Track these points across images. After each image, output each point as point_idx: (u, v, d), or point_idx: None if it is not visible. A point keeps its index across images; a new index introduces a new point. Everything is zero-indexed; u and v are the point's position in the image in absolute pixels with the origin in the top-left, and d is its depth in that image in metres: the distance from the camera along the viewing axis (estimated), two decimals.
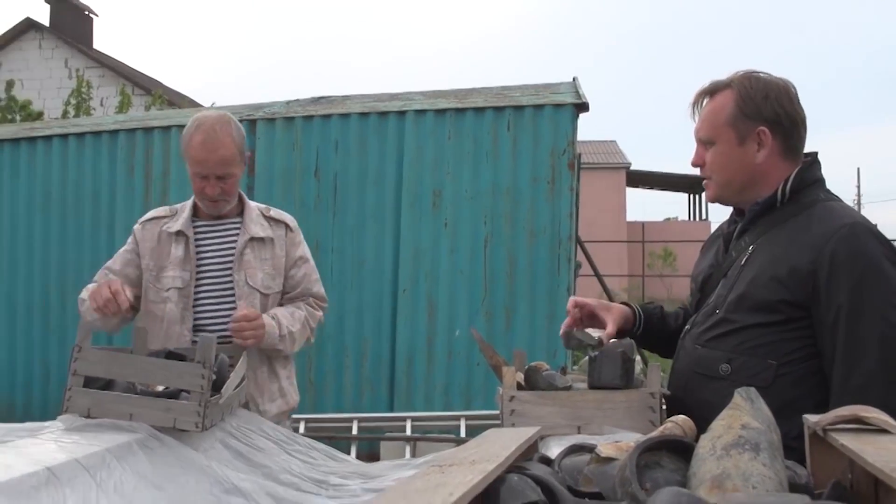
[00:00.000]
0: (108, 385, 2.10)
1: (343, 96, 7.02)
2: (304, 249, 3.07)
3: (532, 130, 6.07)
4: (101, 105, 16.68)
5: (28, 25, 18.75)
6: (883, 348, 1.79)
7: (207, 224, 2.94)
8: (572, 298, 2.31)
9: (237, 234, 2.91)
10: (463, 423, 5.27)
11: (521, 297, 5.95)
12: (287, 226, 3.03)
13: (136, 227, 3.00)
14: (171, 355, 2.23)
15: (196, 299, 2.85)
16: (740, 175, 2.03)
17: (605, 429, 1.92)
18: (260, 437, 2.28)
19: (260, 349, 2.83)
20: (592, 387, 2.08)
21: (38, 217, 7.10)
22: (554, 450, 1.71)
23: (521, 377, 2.15)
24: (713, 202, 2.11)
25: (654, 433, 1.47)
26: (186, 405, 2.04)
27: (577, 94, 6.21)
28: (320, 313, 3.08)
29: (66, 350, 6.70)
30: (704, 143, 2.06)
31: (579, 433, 1.96)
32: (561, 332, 2.26)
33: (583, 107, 6.07)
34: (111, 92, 17.13)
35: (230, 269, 2.88)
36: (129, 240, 2.99)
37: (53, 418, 2.06)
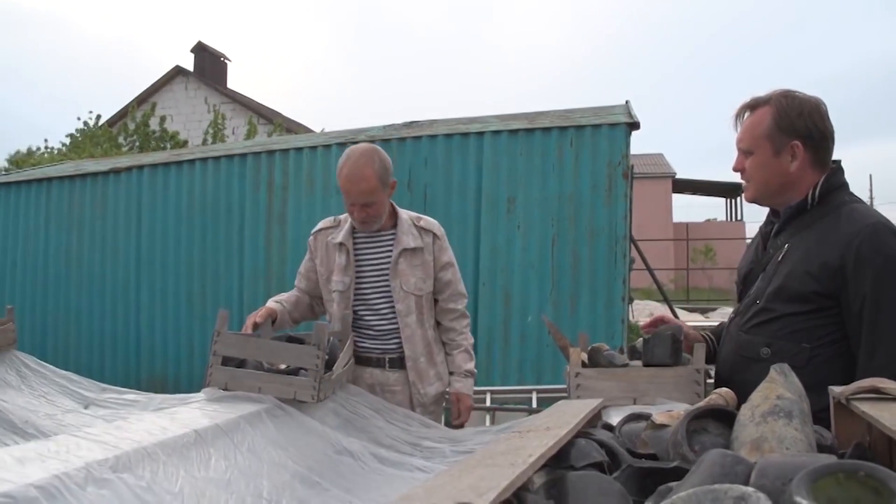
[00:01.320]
0: (241, 364, 2.16)
1: (430, 121, 7.05)
2: (449, 254, 3.02)
3: (591, 146, 5.99)
4: (233, 133, 17.14)
5: (177, 72, 19.41)
6: None
7: (366, 235, 2.92)
8: (658, 314, 2.30)
9: (391, 245, 2.89)
10: (535, 396, 5.24)
11: (584, 287, 5.88)
12: (434, 234, 2.98)
13: (310, 238, 3.01)
14: (291, 339, 2.27)
15: (356, 300, 2.86)
16: (775, 181, 1.99)
17: (657, 400, 1.89)
18: (365, 407, 2.31)
19: (421, 340, 2.89)
20: (646, 364, 2.05)
21: (183, 225, 7.35)
22: (615, 418, 1.69)
23: (584, 356, 2.13)
24: (751, 202, 2.08)
25: (701, 403, 1.44)
26: (304, 381, 2.07)
27: (630, 114, 6.11)
28: (467, 320, 3.06)
29: (208, 333, 6.92)
30: (744, 152, 2.03)
31: (635, 404, 1.94)
32: (643, 327, 2.25)
33: (634, 125, 5.96)
34: (241, 122, 17.59)
35: (387, 275, 2.87)
36: (308, 250, 3.01)
37: (198, 390, 2.13)
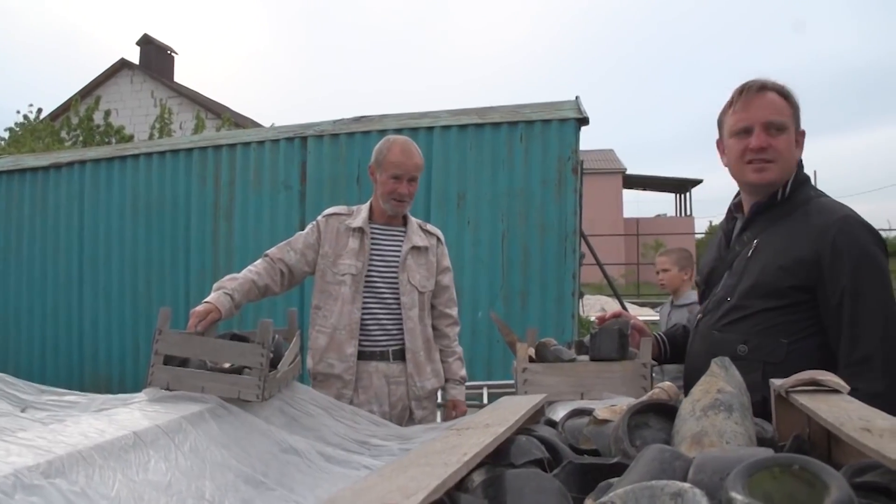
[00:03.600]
0: (183, 363, 2.12)
1: (380, 115, 7.01)
2: (448, 260, 3.24)
3: (541, 141, 6.02)
4: (180, 128, 16.82)
5: (122, 65, 18.98)
6: (884, 325, 1.76)
7: (380, 227, 3.06)
8: (617, 310, 2.29)
9: (402, 241, 3.06)
10: (485, 392, 5.24)
11: (534, 282, 5.92)
12: (438, 238, 3.22)
13: (321, 219, 3.08)
14: (235, 337, 2.24)
15: (366, 285, 2.96)
16: (790, 167, 1.97)
17: (604, 395, 1.90)
18: (311, 405, 2.28)
19: (421, 335, 3.03)
20: (593, 359, 2.06)
21: (128, 222, 7.19)
22: (560, 414, 1.69)
23: (531, 351, 2.13)
24: (768, 185, 1.98)
25: (643, 398, 1.45)
26: (249, 379, 2.04)
27: (579, 110, 6.16)
28: (458, 328, 3.24)
29: (152, 331, 6.77)
30: (776, 127, 1.94)
31: (582, 399, 1.95)
32: (595, 320, 2.25)
33: (584, 121, 6.01)
34: (188, 117, 17.28)
35: (396, 268, 3.01)
36: (312, 228, 3.07)
37: (142, 389, 2.08)
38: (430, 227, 3.23)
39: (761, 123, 1.95)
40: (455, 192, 6.17)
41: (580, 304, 9.28)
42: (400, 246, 3.05)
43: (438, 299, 3.15)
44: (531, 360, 2.11)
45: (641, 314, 13.28)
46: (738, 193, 2.14)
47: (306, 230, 3.09)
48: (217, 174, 6.93)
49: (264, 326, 2.09)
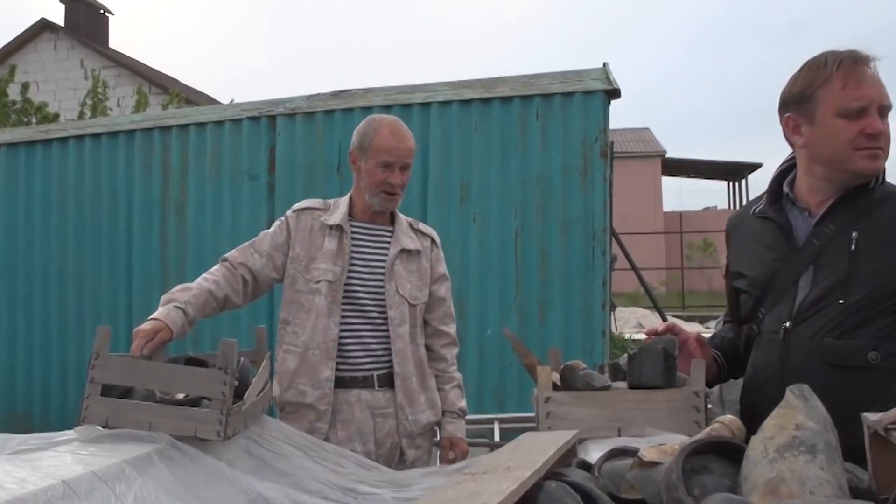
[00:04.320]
0: (126, 393, 2.10)
1: (365, 89, 7.01)
2: (445, 267, 3.25)
3: (562, 119, 6.02)
4: (118, 105, 16.81)
5: (43, 27, 18.93)
6: None
7: (363, 225, 3.07)
8: (669, 321, 2.30)
9: (388, 243, 3.06)
10: (496, 427, 5.23)
11: (555, 292, 5.91)
12: (433, 240, 3.22)
13: (290, 214, 3.09)
14: (191, 361, 2.22)
15: (345, 295, 2.96)
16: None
17: (646, 431, 1.89)
18: (285, 444, 2.26)
19: (413, 357, 3.03)
20: (632, 386, 2.04)
21: (54, 220, 7.18)
22: (593, 454, 1.68)
23: (556, 377, 2.12)
24: (875, 175, 2.03)
25: (701, 435, 1.43)
26: (208, 413, 2.02)
27: (608, 80, 6.15)
28: (457, 349, 3.24)
29: (85, 355, 6.76)
30: (887, 110, 2.00)
31: (620, 436, 1.93)
32: (646, 334, 2.23)
33: (614, 93, 6.01)
34: (128, 92, 17.29)
35: (381, 275, 3.01)
36: (279, 226, 3.07)
37: (72, 428, 2.06)
38: (422, 226, 3.24)
39: (878, 106, 1.97)
40: (457, 183, 6.17)
41: (612, 318, 9.27)
42: (386, 249, 3.06)
43: (433, 313, 3.15)
44: (555, 387, 2.09)
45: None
46: (779, 179, 2.18)
47: (273, 228, 3.09)
48: (165, 161, 6.93)
49: (227, 347, 2.08)
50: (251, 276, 2.96)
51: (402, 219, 3.16)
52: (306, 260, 2.99)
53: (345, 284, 2.96)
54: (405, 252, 3.06)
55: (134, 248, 6.95)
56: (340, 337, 2.93)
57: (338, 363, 2.92)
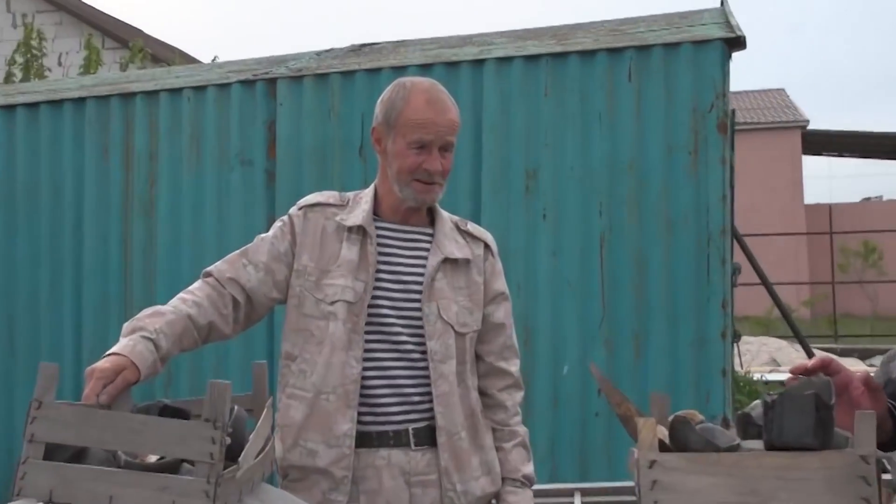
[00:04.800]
0: (78, 455, 2.11)
1: (395, 42, 7.05)
2: (504, 282, 3.22)
3: (663, 79, 6.00)
4: (60, 64, 16.98)
5: None
6: None
7: (392, 227, 3.06)
8: (821, 356, 2.23)
9: (427, 252, 3.05)
10: (578, 501, 5.21)
11: (656, 316, 5.88)
12: (487, 245, 3.19)
13: (295, 212, 3.09)
14: (166, 411, 2.24)
15: (370, 321, 2.95)
16: None
17: None
18: None
19: (462, 405, 3.03)
20: (772, 446, 2.02)
21: None
22: None
23: (663, 432, 2.10)
24: None
25: None
26: (191, 482, 2.04)
27: (729, 24, 6.12)
28: (521, 394, 3.22)
29: (19, 404, 6.85)
30: None
31: None
32: (793, 372, 2.19)
33: (736, 42, 5.96)
34: (73, 45, 17.42)
35: (418, 294, 3.00)
36: (282, 227, 3.08)
37: (4, 502, 2.09)
38: (472, 227, 3.23)
39: None
40: (521, 168, 6.18)
41: (735, 351, 9.15)
42: (424, 258, 3.05)
43: (488, 345, 3.14)
44: (662, 446, 2.07)
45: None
46: None
47: (272, 231, 3.09)
48: (127, 141, 7.02)
49: (216, 392, 2.09)
50: (244, 297, 2.96)
51: (446, 217, 3.15)
52: (317, 274, 2.98)
53: (369, 306, 2.94)
54: (450, 262, 3.05)
55: (85, 260, 7.05)
56: (364, 377, 2.92)
57: (360, 413, 2.91)
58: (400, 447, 2.93)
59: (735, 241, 7.09)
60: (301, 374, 2.96)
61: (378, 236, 3.01)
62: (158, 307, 2.80)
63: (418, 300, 2.98)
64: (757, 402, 2.13)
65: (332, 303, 2.93)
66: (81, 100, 7.20)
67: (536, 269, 6.06)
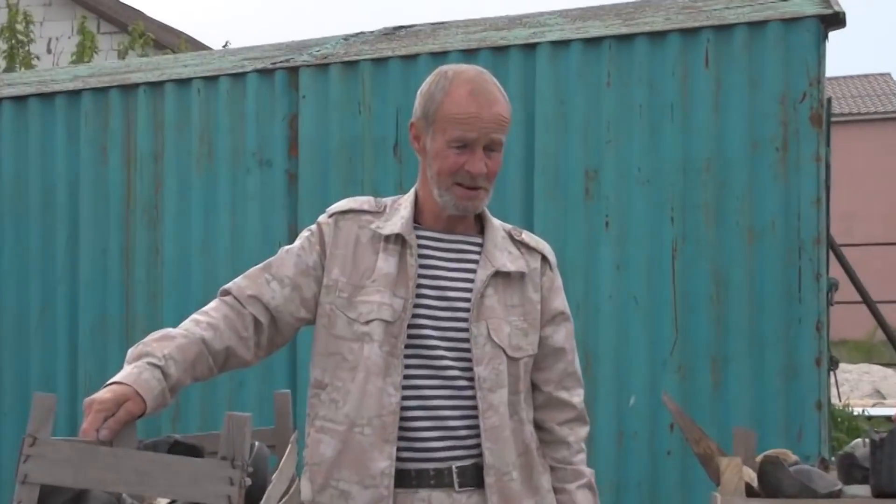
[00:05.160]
0: (78, 499, 2.13)
1: (435, 24, 7.07)
2: (564, 300, 3.21)
3: (747, 64, 5.97)
4: (50, 51, 17.09)
5: None
6: None
7: (435, 236, 3.05)
8: None
9: (475, 264, 3.04)
10: None
11: (738, 339, 5.85)
12: (544, 258, 3.16)
13: (325, 220, 3.09)
14: (177, 448, 2.26)
15: (411, 343, 2.94)
16: None
17: None
18: None
19: (515, 441, 2.99)
20: (880, 493, 2.01)
21: None
22: None
23: (750, 474, 2.10)
24: None
25: None
26: None
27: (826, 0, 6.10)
28: (587, 430, 3.19)
29: (9, 439, 6.89)
30: None
31: None
32: (893, 415, 2.18)
33: (834, 20, 5.93)
34: (64, 29, 17.54)
35: (464, 313, 2.98)
36: (309, 238, 3.08)
37: None
38: (528, 236, 3.21)
39: None
40: (580, 169, 6.17)
41: (833, 380, 9.04)
42: (472, 270, 3.04)
43: (546, 372, 3.12)
44: (749, 490, 2.08)
45: None
46: None
47: (298, 242, 3.10)
48: (129, 140, 7.07)
49: (234, 426, 2.10)
50: (267, 317, 2.96)
51: (497, 225, 3.14)
52: (350, 290, 2.97)
53: (409, 326, 2.94)
54: (502, 276, 3.03)
55: (81, 275, 7.11)
56: (403, 408, 2.91)
57: (399, 448, 2.90)
58: (442, 488, 2.92)
59: (831, 253, 7.04)
60: (332, 405, 2.95)
61: (419, 246, 3.00)
62: (168, 330, 2.80)
63: (465, 319, 2.96)
64: (859, 440, 2.13)
65: (367, 322, 2.92)
66: (76, 92, 7.25)
67: (598, 284, 6.06)
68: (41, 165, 7.24)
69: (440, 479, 2.92)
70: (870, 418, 11.46)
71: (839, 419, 10.89)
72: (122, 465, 2.14)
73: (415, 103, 3.05)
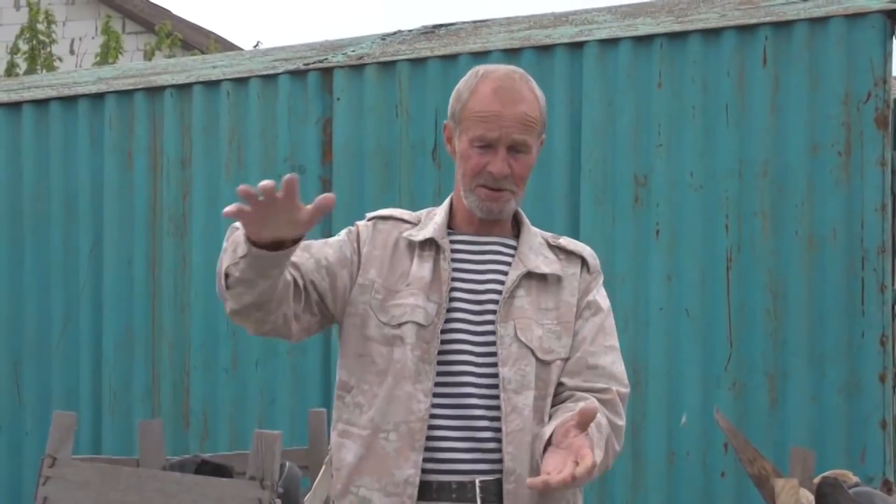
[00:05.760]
0: None
1: (476, 22, 7.07)
2: (603, 295, 3.14)
3: (807, 63, 5.95)
4: (73, 52, 17.15)
5: None
6: None
7: (467, 239, 3.07)
8: None
9: (508, 264, 3.04)
10: None
11: (796, 354, 5.83)
12: (584, 262, 3.13)
13: (363, 223, 3.12)
14: (205, 467, 2.26)
15: (444, 349, 2.94)
16: None
17: None
18: None
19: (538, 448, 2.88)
20: None
21: None
22: None
23: (808, 496, 2.10)
24: None
25: None
26: None
27: None
28: (622, 422, 3.05)
29: (28, 463, 6.92)
30: None
31: None
32: None
33: None
34: (87, 29, 17.59)
35: (493, 316, 2.98)
36: (347, 234, 3.10)
37: None
38: (567, 241, 3.19)
39: None
40: (629, 174, 6.17)
41: None
42: (504, 272, 3.04)
43: (578, 378, 3.00)
44: None
45: None
46: None
47: (335, 237, 3.12)
48: (154, 145, 7.10)
49: (265, 445, 2.11)
50: (304, 284, 2.94)
51: (534, 231, 3.14)
52: (384, 292, 2.98)
53: (442, 331, 2.94)
54: (536, 277, 3.02)
55: (105, 288, 7.14)
56: (432, 415, 2.90)
57: (426, 458, 2.90)
58: (464, 502, 2.91)
59: None
60: (357, 409, 2.95)
61: (453, 251, 3.02)
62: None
63: (492, 319, 2.97)
64: None
65: (399, 325, 2.94)
66: (99, 95, 7.30)
67: (648, 296, 6.06)
68: (63, 172, 7.28)
69: (462, 494, 2.90)
70: None
71: None
72: (146, 486, 2.14)
73: (449, 103, 3.08)
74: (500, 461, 2.89)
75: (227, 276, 2.73)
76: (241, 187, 2.45)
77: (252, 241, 2.60)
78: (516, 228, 3.12)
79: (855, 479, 2.13)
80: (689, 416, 5.89)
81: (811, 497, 2.10)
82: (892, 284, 6.00)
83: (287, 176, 2.43)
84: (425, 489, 2.88)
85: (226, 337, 6.62)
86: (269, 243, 2.62)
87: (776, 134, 5.96)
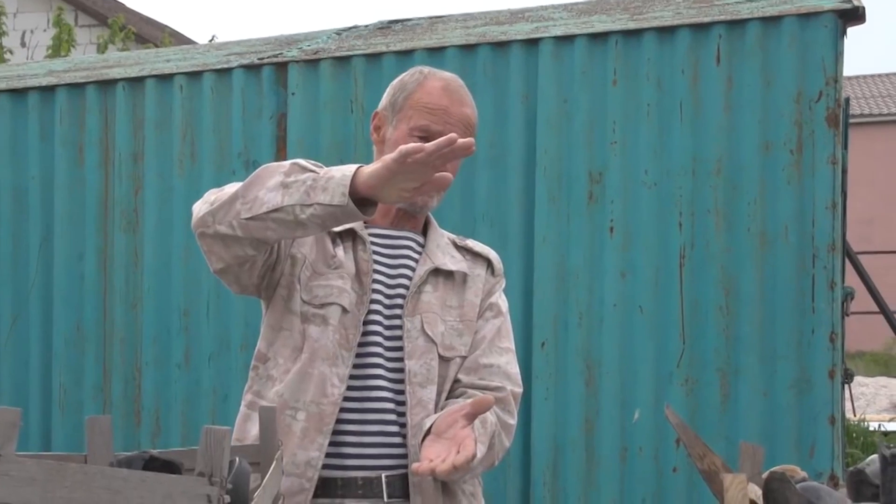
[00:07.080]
0: None
1: (432, 18, 7.06)
2: (503, 298, 3.24)
3: (760, 61, 5.98)
4: (24, 44, 17.07)
5: None
6: None
7: (382, 233, 3.14)
8: None
9: (415, 262, 3.11)
10: None
11: (748, 351, 5.85)
12: (490, 263, 3.23)
13: None
14: (153, 463, 2.25)
15: (364, 339, 2.99)
16: None
17: None
18: None
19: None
20: None
21: None
22: None
23: (756, 491, 2.10)
24: None
25: None
26: None
27: None
28: (513, 421, 3.09)
29: None
30: None
31: None
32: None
33: (853, 15, 5.92)
34: (39, 21, 17.50)
35: (400, 310, 3.04)
36: None
37: None
38: (473, 243, 3.28)
39: None
40: (583, 171, 6.18)
41: (847, 394, 9.04)
42: (412, 268, 3.12)
43: (474, 375, 3.05)
44: None
45: None
46: None
47: None
48: (106, 139, 7.08)
49: (213, 440, 2.10)
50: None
51: (440, 230, 3.23)
52: (310, 271, 3.03)
53: (365, 319, 3.00)
54: (442, 275, 3.10)
55: (55, 283, 7.12)
56: (344, 401, 2.93)
57: (328, 454, 2.91)
58: (370, 498, 2.93)
59: (847, 260, 7.05)
60: (269, 381, 3.00)
61: (373, 242, 3.09)
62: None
63: (398, 311, 3.04)
64: (874, 456, 2.12)
65: (322, 305, 2.98)
66: (50, 88, 7.27)
67: (602, 292, 6.06)
68: (12, 166, 7.25)
69: (369, 489, 2.94)
70: (886, 434, 11.48)
71: (854, 434, 10.92)
72: (92, 483, 2.13)
73: (384, 96, 3.14)
74: (405, 456, 2.95)
75: (273, 210, 2.70)
76: (452, 135, 2.53)
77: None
78: (424, 227, 3.20)
79: (802, 473, 2.13)
80: (642, 412, 5.90)
81: (759, 491, 2.11)
82: (843, 282, 6.04)
83: (465, 140, 2.53)
84: (329, 485, 2.92)
85: (178, 333, 6.61)
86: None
87: (729, 132, 5.98)
